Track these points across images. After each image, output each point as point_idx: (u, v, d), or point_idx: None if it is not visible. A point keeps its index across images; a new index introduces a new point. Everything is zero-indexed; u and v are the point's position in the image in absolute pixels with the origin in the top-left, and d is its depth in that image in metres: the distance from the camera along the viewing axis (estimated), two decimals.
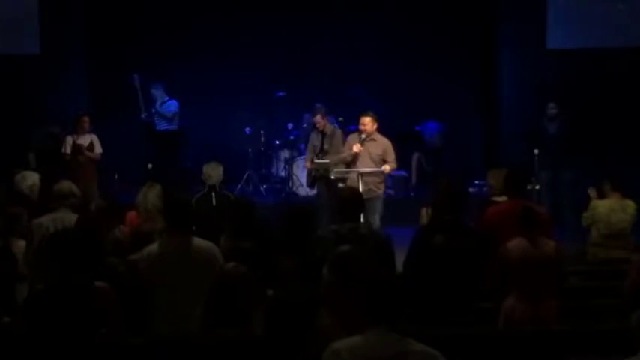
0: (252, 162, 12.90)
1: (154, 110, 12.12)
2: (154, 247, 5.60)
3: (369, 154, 9.39)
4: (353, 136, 9.68)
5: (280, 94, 12.99)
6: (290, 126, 12.83)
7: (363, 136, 9.41)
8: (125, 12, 13.48)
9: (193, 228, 5.79)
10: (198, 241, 5.58)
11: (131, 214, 7.74)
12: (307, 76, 13.30)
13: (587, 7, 13.06)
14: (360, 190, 9.20)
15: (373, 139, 9.45)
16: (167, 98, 12.19)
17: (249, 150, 12.87)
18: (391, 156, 9.53)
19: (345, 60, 13.55)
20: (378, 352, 3.77)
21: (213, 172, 8.23)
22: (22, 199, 7.87)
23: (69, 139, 11.36)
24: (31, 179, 8.15)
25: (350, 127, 11.12)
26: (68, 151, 11.28)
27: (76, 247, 4.90)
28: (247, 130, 13.06)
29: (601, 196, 8.54)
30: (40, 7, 12.77)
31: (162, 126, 12.14)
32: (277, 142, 12.82)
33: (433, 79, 13.00)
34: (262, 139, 12.95)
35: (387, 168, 9.41)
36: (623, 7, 12.94)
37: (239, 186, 12.67)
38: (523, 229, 6.30)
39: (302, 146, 12.25)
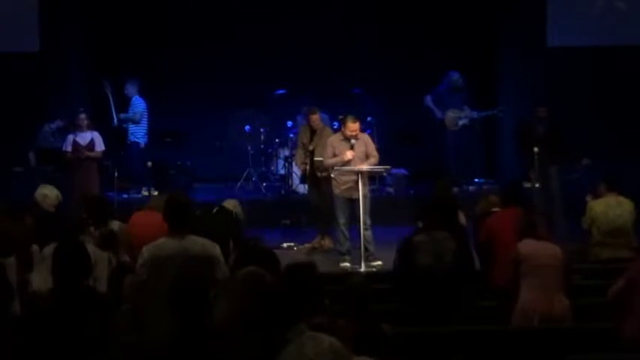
0: (252, 160, 12.89)
1: (123, 117, 12.18)
2: (154, 245, 5.62)
3: (356, 153, 9.44)
4: (335, 138, 9.67)
5: (280, 92, 12.98)
6: (290, 124, 12.83)
7: (353, 141, 9.41)
8: (124, 10, 13.46)
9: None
10: (198, 239, 5.63)
11: (140, 215, 7.69)
12: (307, 74, 13.28)
13: (588, 5, 13.07)
14: (360, 189, 9.26)
15: (357, 138, 9.50)
16: (135, 97, 12.26)
17: (249, 148, 12.86)
18: (372, 149, 9.60)
19: (345, 59, 13.54)
20: None
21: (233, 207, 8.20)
22: (33, 206, 7.79)
23: (70, 137, 11.32)
24: (47, 190, 8.05)
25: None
26: (69, 149, 11.24)
27: (81, 256, 5.02)
28: (247, 127, 13.05)
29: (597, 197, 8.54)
30: (40, 4, 12.75)
31: (132, 137, 12.21)
32: (277, 140, 12.80)
33: (433, 78, 12.96)
34: (262, 136, 12.94)
35: (372, 161, 9.47)
36: (622, 5, 12.94)
37: (239, 183, 12.67)
38: (527, 233, 6.42)
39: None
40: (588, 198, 8.65)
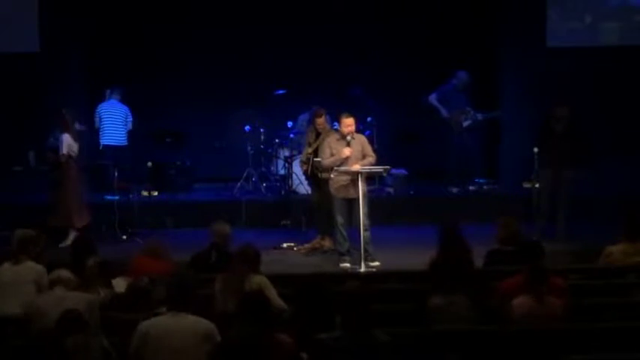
0: (251, 160, 12.89)
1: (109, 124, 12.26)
2: (149, 323, 5.57)
3: (352, 153, 9.44)
4: (332, 138, 9.69)
5: (280, 92, 12.98)
6: (290, 124, 12.83)
7: (349, 137, 9.43)
8: (125, 10, 13.46)
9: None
10: (195, 320, 5.57)
11: (141, 261, 7.67)
12: (307, 74, 13.28)
13: (587, 4, 13.08)
14: (360, 190, 9.26)
15: (352, 138, 9.51)
16: (123, 107, 12.36)
17: (249, 148, 12.86)
18: (369, 149, 9.62)
19: (344, 59, 13.54)
20: None
21: (215, 228, 8.11)
22: None
23: None
24: None
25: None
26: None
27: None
28: (247, 128, 13.05)
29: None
30: (40, 4, 12.76)
31: (110, 140, 12.25)
32: (277, 140, 12.80)
33: (433, 77, 12.97)
34: (262, 137, 12.94)
35: (370, 161, 9.48)
36: (614, 25, 12.98)
37: (239, 184, 12.67)
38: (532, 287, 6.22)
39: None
40: None
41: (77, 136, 10.81)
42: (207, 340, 5.45)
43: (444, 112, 12.49)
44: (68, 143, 10.63)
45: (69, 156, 10.63)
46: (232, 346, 5.26)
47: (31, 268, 6.93)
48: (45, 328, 5.82)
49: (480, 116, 12.53)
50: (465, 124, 12.48)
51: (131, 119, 12.43)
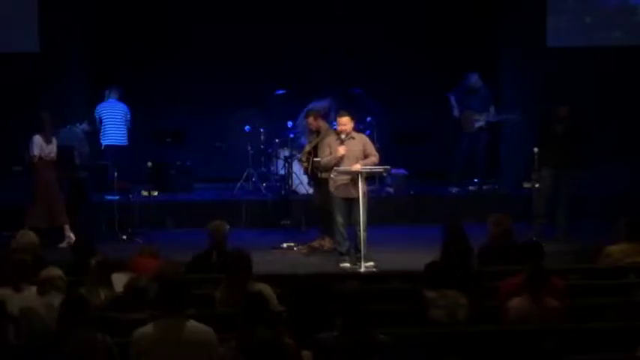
0: (251, 160, 12.89)
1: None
2: (145, 330, 5.34)
3: (352, 152, 9.42)
4: (332, 138, 9.72)
5: (280, 92, 12.98)
6: (290, 124, 12.82)
7: (343, 136, 9.44)
8: (124, 10, 13.46)
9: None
10: (193, 325, 5.35)
11: (141, 260, 7.63)
12: (307, 74, 13.29)
13: (587, 5, 13.08)
14: (360, 189, 9.27)
15: (352, 137, 9.51)
16: (123, 106, 12.37)
17: (249, 148, 12.86)
18: (371, 148, 9.61)
19: (345, 59, 13.54)
20: None
21: (214, 227, 8.03)
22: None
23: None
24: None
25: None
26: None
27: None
28: (247, 128, 13.06)
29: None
30: (40, 4, 12.76)
31: (111, 140, 12.27)
32: (277, 140, 12.81)
33: (433, 78, 12.98)
34: (262, 137, 12.94)
35: (373, 160, 9.47)
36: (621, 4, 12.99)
37: (239, 184, 12.67)
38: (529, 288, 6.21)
39: (303, 142, 12.25)
40: None
41: (51, 139, 10.69)
42: (206, 346, 5.26)
43: (455, 112, 12.52)
44: (39, 145, 10.58)
45: (40, 157, 10.60)
46: (248, 349, 5.20)
47: (35, 296, 6.80)
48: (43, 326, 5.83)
49: (493, 118, 12.52)
50: (477, 124, 12.46)
51: (130, 117, 12.44)
